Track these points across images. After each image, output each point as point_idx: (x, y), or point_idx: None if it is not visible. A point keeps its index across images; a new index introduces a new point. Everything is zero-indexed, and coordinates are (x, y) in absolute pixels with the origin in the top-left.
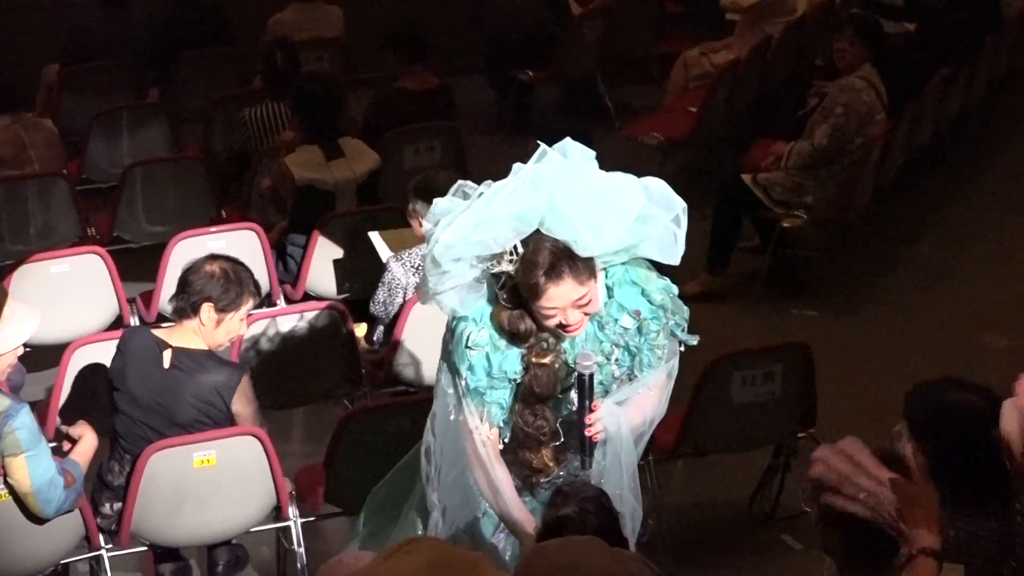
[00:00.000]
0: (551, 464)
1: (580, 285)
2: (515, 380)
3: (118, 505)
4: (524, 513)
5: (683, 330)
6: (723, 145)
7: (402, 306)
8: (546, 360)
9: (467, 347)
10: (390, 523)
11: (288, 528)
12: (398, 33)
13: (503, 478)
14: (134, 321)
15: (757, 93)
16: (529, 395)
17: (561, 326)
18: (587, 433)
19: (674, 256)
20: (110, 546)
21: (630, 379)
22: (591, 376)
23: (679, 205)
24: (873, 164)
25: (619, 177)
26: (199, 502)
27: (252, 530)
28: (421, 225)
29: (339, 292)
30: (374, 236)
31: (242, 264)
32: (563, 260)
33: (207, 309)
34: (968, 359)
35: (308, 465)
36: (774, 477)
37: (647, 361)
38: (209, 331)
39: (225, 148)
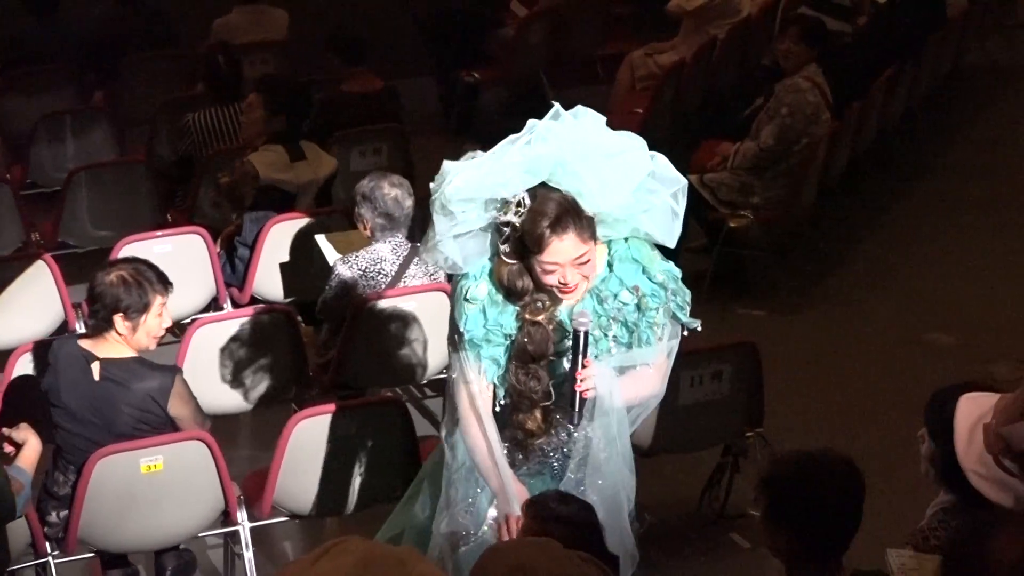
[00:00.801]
0: (542, 427)
1: (582, 242)
2: (510, 337)
3: (64, 513)
4: (508, 472)
5: (685, 313)
6: (669, 146)
7: (350, 309)
8: (540, 318)
9: (466, 300)
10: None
11: (236, 533)
12: (339, 36)
13: (493, 435)
14: (79, 327)
15: (703, 94)
16: (523, 353)
17: (558, 288)
18: (577, 388)
19: (672, 235)
20: (56, 552)
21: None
22: (586, 333)
23: (680, 181)
24: (819, 164)
25: (629, 138)
26: (146, 507)
27: (200, 535)
28: (367, 228)
29: (286, 295)
30: (321, 239)
31: (143, 262)
32: (568, 214)
33: (118, 319)
34: (914, 357)
35: (256, 469)
36: (723, 477)
37: (645, 339)
38: (130, 338)
39: (170, 152)
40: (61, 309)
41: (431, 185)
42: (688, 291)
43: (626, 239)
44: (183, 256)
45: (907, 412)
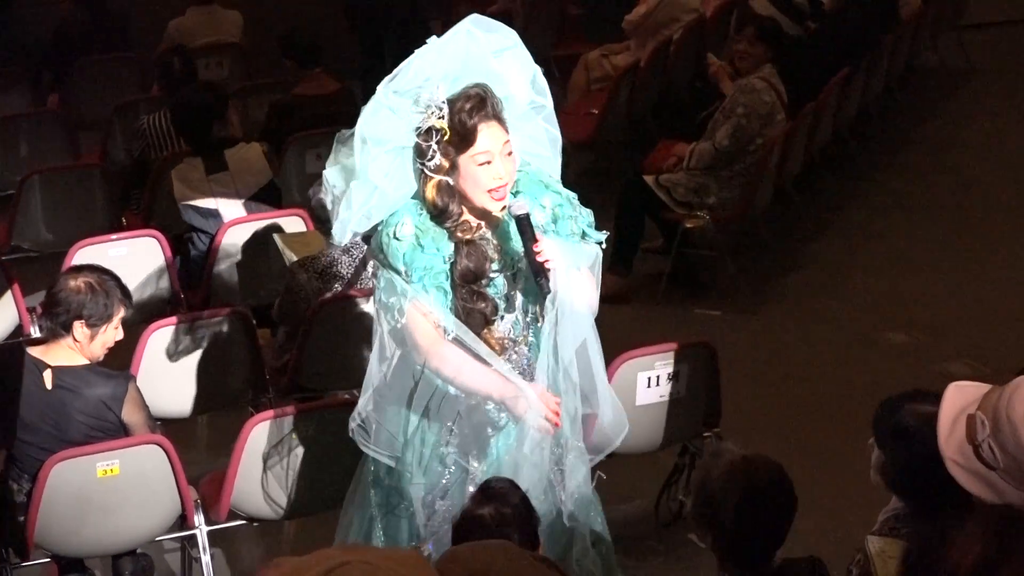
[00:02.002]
0: (497, 346)
1: (504, 130)
2: (449, 259)
3: (20, 519)
4: (510, 370)
5: (592, 228)
6: (625, 147)
7: (306, 311)
8: (472, 237)
9: (395, 239)
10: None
11: (194, 536)
12: (293, 38)
13: (474, 342)
14: (34, 331)
15: (658, 95)
16: (465, 275)
17: (493, 191)
18: (538, 259)
19: (557, 164)
20: (17, 561)
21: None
22: (527, 215)
23: (548, 105)
24: (774, 164)
25: (511, 34)
26: (103, 512)
27: (157, 539)
28: (323, 230)
29: (243, 298)
30: (278, 241)
31: (107, 272)
32: (487, 100)
33: (79, 326)
34: (869, 356)
35: (213, 473)
36: (680, 477)
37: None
38: (85, 347)
39: (125, 155)
40: (15, 313)
41: (328, 172)
42: (589, 210)
43: (520, 169)
44: (138, 259)
45: (862, 410)
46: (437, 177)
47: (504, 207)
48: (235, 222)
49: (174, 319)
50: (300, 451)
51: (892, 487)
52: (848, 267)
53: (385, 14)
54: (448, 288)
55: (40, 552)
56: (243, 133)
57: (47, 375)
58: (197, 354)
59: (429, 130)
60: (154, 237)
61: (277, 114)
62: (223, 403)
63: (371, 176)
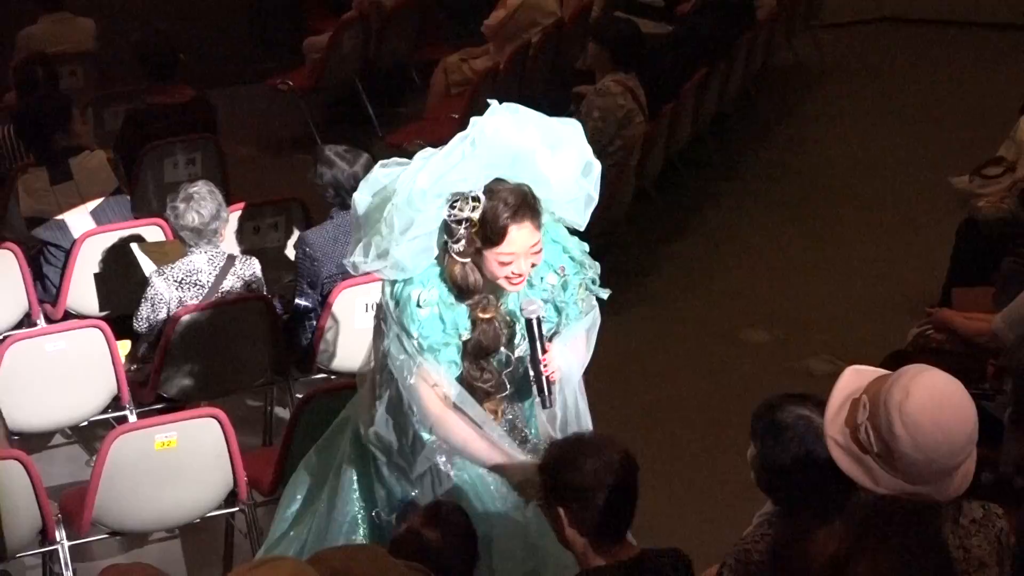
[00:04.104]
0: (495, 416)
1: (536, 230)
2: (463, 337)
3: None
4: (509, 441)
5: (596, 283)
6: None
7: (167, 321)
8: (489, 315)
9: (417, 307)
10: (312, 504)
11: (55, 552)
12: (149, 47)
13: (478, 414)
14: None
15: (517, 98)
16: (477, 350)
17: (509, 279)
18: (544, 373)
19: (585, 219)
20: None
21: (557, 334)
22: (539, 319)
23: (596, 165)
24: (633, 166)
25: (570, 126)
26: None
27: (19, 555)
28: (182, 239)
29: (101, 309)
30: (136, 250)
31: None
32: (525, 204)
33: None
34: (730, 354)
35: (74, 487)
36: None
37: (573, 315)
38: None
39: None
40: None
41: (359, 197)
42: (597, 264)
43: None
44: None
45: (724, 407)
46: (460, 260)
47: (519, 289)
48: (92, 232)
49: (32, 332)
50: (163, 463)
51: (762, 486)
52: (708, 266)
53: None
54: (459, 361)
55: None
56: (94, 142)
57: None
58: (56, 367)
59: (464, 218)
60: (9, 250)
61: (133, 123)
62: (84, 416)
63: (421, 225)
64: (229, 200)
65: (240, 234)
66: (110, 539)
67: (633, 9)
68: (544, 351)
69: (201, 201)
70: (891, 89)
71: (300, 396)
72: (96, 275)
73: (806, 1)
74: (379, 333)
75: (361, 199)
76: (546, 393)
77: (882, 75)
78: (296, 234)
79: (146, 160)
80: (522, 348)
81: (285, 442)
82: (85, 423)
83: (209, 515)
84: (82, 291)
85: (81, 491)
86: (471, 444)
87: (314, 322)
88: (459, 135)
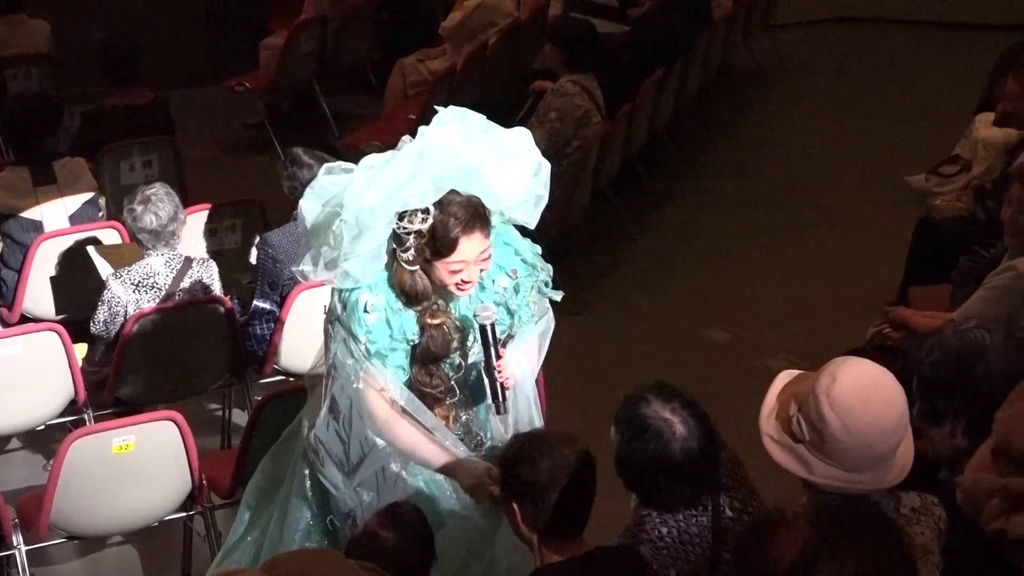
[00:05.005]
0: (444, 419)
1: (485, 239)
2: (412, 342)
3: None
4: (458, 443)
5: (548, 286)
6: None
7: (123, 324)
8: (438, 321)
9: (365, 312)
10: (268, 508)
11: (12, 556)
12: (108, 50)
13: (428, 418)
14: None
15: (475, 99)
16: (425, 355)
17: (458, 285)
18: (499, 379)
19: (535, 217)
20: None
21: (510, 337)
22: (492, 325)
23: (546, 165)
24: (591, 166)
25: (519, 136)
26: None
27: None
28: (139, 241)
29: (58, 312)
30: (93, 253)
31: None
32: (476, 215)
33: None
34: (690, 354)
35: (31, 491)
36: None
37: (525, 318)
38: None
39: None
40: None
41: (306, 205)
42: (550, 266)
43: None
44: None
45: None
46: (409, 268)
47: (468, 294)
48: (49, 235)
49: None
50: (120, 466)
51: (617, 473)
52: (667, 266)
53: None
54: (407, 366)
55: None
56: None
57: None
58: (11, 371)
59: (414, 230)
60: None
61: (89, 125)
62: (39, 420)
63: (371, 240)
64: (186, 202)
65: (197, 236)
66: (68, 543)
67: (589, 10)
68: (499, 357)
69: (158, 203)
70: (848, 89)
71: (258, 398)
72: (52, 278)
73: (763, 1)
74: (328, 336)
75: (309, 208)
76: (500, 399)
77: (839, 75)
78: (256, 237)
79: (103, 162)
80: (474, 353)
81: (243, 444)
82: (42, 427)
83: (168, 518)
84: (38, 294)
85: (38, 495)
86: (419, 448)
87: (272, 324)
88: (407, 146)
